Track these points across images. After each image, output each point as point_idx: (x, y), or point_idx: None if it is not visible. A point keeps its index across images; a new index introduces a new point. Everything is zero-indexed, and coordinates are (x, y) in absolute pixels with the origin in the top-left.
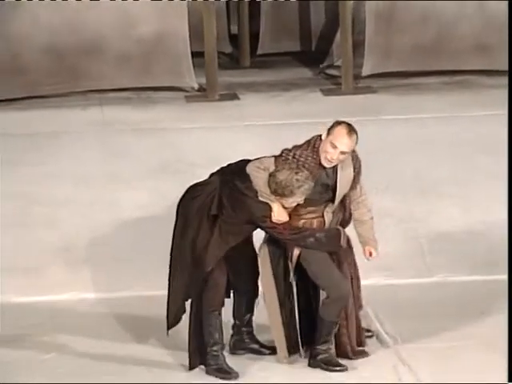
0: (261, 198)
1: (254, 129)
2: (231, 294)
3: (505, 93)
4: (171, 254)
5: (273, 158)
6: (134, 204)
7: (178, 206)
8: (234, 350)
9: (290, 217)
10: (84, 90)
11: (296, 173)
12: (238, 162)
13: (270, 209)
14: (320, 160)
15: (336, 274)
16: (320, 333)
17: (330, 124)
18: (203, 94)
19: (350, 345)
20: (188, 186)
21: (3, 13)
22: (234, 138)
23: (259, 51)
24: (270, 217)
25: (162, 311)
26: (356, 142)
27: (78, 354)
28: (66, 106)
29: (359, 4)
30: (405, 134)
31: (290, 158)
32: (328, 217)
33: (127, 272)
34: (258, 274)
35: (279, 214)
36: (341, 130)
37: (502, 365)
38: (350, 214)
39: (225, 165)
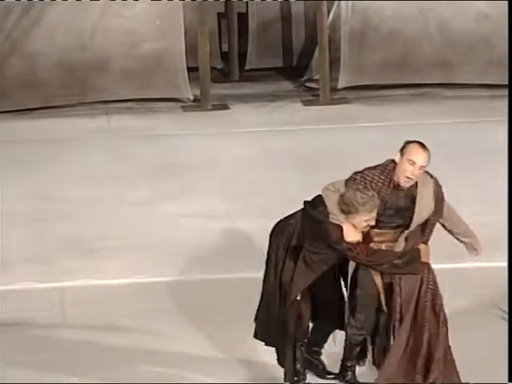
0: (331, 220)
1: (242, 135)
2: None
3: (462, 103)
4: (263, 289)
5: (343, 180)
6: (136, 201)
7: (270, 240)
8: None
9: (363, 240)
10: (92, 101)
11: (361, 191)
12: (317, 196)
13: (341, 230)
14: (389, 182)
15: (370, 305)
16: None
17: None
18: (198, 104)
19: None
20: (185, 188)
21: (21, 32)
22: (225, 142)
23: (247, 67)
24: (343, 238)
25: (165, 297)
26: (430, 157)
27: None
28: (77, 115)
29: (335, 25)
30: (375, 139)
31: (358, 177)
32: (400, 244)
33: (132, 260)
34: (340, 306)
35: (349, 235)
36: (415, 146)
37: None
38: (426, 241)
39: (308, 199)
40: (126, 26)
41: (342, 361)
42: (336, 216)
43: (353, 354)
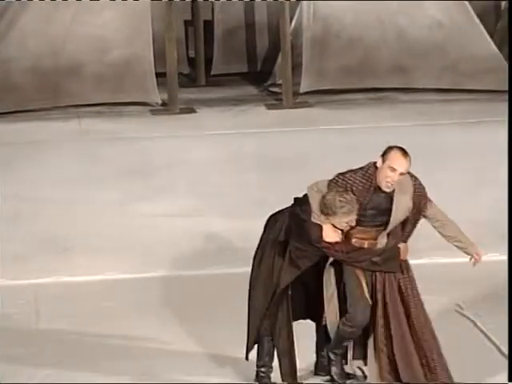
0: (313, 220)
1: (208, 138)
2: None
3: (418, 107)
4: (250, 282)
5: (327, 181)
6: (108, 201)
7: (261, 235)
8: (317, 372)
9: (345, 236)
10: (64, 105)
11: (340, 194)
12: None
13: (321, 229)
14: (370, 185)
15: (360, 302)
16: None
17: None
18: (166, 108)
19: (390, 367)
20: (154, 189)
21: None
22: (192, 145)
23: (213, 72)
24: (322, 237)
25: (137, 294)
26: (410, 163)
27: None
28: (49, 118)
29: (297, 32)
30: (336, 141)
31: (340, 180)
32: (381, 241)
33: (105, 258)
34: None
35: (328, 235)
36: (396, 154)
37: None
38: (406, 239)
39: (300, 196)
40: (96, 33)
41: (327, 352)
42: (317, 216)
43: (340, 346)
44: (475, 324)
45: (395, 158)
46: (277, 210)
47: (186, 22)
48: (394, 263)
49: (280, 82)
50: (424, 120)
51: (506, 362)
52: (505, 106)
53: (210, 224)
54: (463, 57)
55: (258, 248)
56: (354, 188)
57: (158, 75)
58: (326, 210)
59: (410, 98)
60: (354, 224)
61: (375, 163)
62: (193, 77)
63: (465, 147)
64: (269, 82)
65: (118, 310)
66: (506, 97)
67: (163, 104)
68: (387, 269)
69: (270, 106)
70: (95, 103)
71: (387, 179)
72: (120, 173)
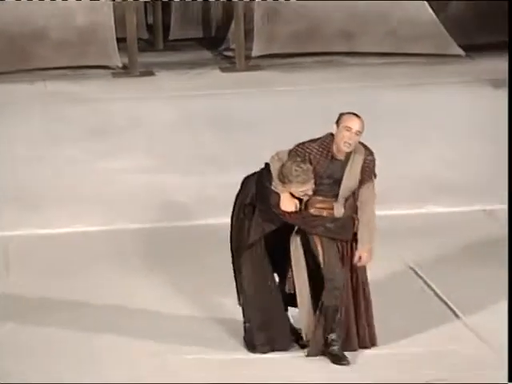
0: (273, 188)
1: (167, 99)
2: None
3: (363, 70)
4: (231, 242)
5: (288, 151)
6: (72, 159)
7: (236, 196)
8: None
9: (305, 206)
10: (31, 68)
11: (297, 164)
12: None
13: (279, 197)
14: (327, 153)
15: (333, 263)
16: (325, 319)
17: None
18: (126, 71)
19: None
20: (116, 147)
21: None
22: (152, 105)
23: (170, 37)
24: (279, 205)
25: (102, 245)
26: (364, 124)
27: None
28: (17, 81)
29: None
30: (286, 102)
31: (300, 149)
32: (338, 210)
33: (71, 211)
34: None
35: (284, 204)
36: (349, 115)
37: None
38: None
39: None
40: (61, 1)
41: (325, 337)
42: (276, 184)
43: (334, 323)
44: (416, 272)
45: (348, 119)
46: (232, 168)
47: None
48: (347, 232)
49: (233, 46)
50: (368, 82)
51: (444, 308)
52: (442, 69)
53: (168, 180)
54: (404, 23)
55: (233, 209)
56: (312, 156)
57: (118, 40)
58: (283, 179)
59: (356, 61)
60: (310, 193)
61: (332, 134)
62: (151, 42)
63: (405, 107)
64: (223, 47)
65: (86, 262)
66: (444, 60)
67: (124, 67)
68: (340, 236)
69: (224, 69)
70: (60, 66)
71: (345, 139)
72: (84, 132)
